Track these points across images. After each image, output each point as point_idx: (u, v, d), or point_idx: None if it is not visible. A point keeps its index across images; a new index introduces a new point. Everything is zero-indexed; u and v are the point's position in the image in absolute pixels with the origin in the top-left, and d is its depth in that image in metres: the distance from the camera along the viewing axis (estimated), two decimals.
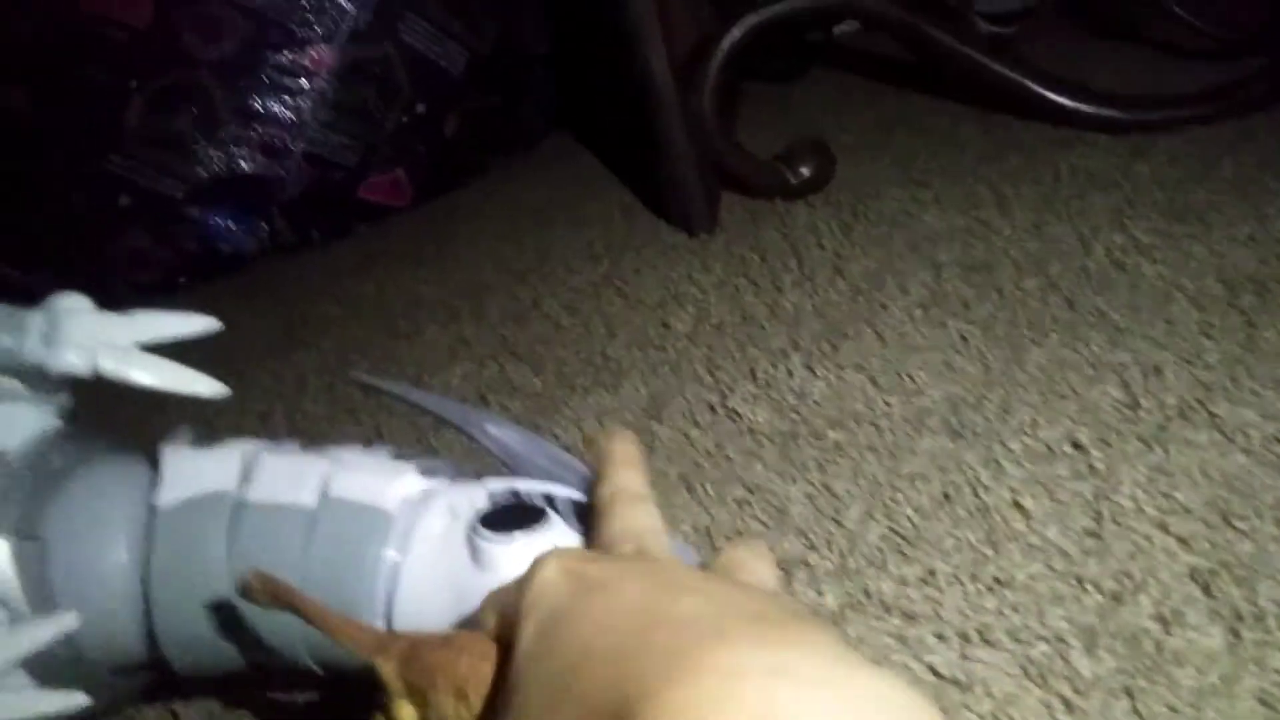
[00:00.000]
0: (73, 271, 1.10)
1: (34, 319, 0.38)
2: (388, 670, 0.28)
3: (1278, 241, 0.65)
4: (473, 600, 0.30)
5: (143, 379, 0.39)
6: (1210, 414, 0.50)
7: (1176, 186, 0.75)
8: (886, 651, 0.40)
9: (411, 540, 0.36)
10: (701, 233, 0.88)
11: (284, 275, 1.05)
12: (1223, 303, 0.59)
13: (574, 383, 0.69)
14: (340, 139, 1.11)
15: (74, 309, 0.39)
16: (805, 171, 0.91)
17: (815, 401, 0.59)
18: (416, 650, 0.28)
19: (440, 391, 0.72)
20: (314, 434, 0.70)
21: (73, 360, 0.38)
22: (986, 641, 0.40)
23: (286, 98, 1.09)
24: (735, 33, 0.92)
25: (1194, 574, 0.41)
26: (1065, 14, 1.05)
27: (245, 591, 0.32)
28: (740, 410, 0.60)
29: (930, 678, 0.39)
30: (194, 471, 0.39)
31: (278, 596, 0.32)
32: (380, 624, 0.36)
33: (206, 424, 0.74)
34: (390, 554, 0.36)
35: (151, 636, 0.38)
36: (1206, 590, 0.40)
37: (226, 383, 0.76)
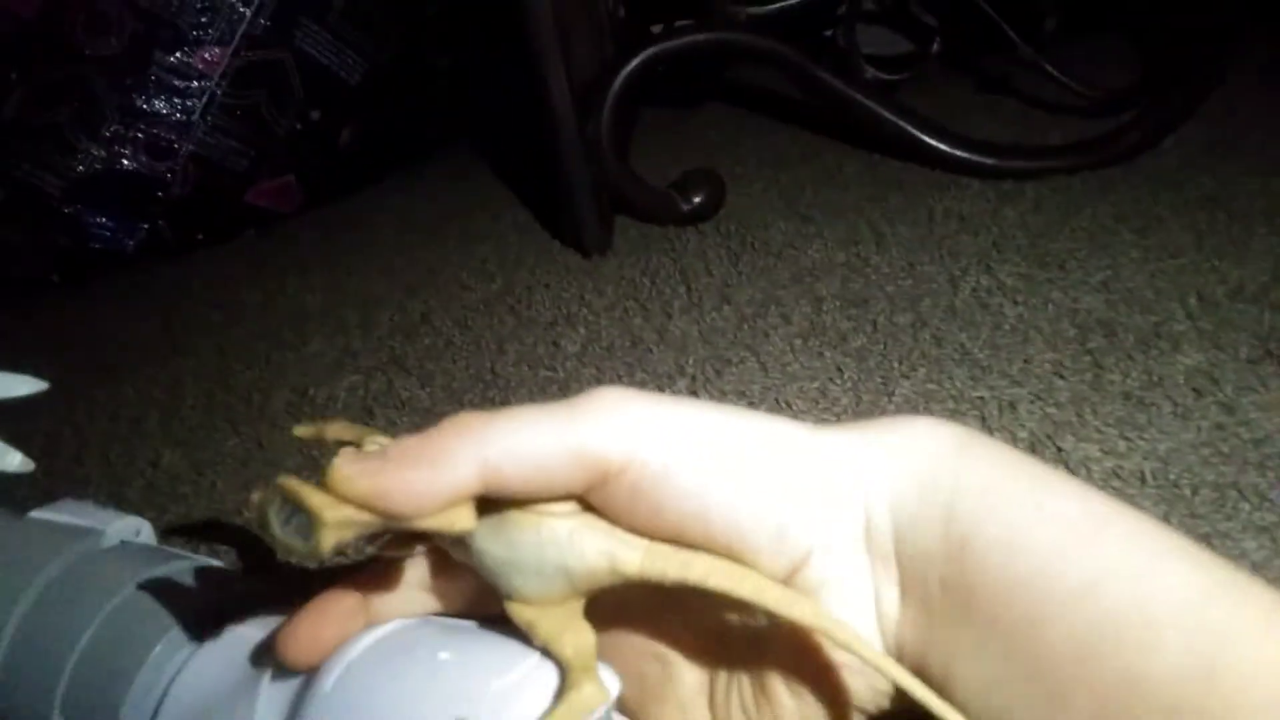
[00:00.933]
0: None
1: None
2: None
3: (1127, 290, 0.70)
4: None
5: None
6: (1058, 448, 0.53)
7: (1040, 232, 0.80)
8: None
9: None
10: (594, 254, 0.90)
11: (165, 278, 1.03)
12: (1074, 345, 0.63)
13: (462, 398, 0.69)
14: (230, 142, 1.09)
15: None
16: (697, 199, 0.94)
17: None
18: None
19: (324, 404, 0.72)
20: (190, 444, 0.69)
21: None
22: None
23: (175, 98, 1.06)
24: (634, 63, 0.94)
25: None
26: (948, 67, 1.10)
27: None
28: None
29: None
30: (81, 509, 0.37)
31: None
32: None
33: (75, 428, 0.72)
34: None
35: None
36: None
37: (98, 387, 0.75)
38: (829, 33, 1.11)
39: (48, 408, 0.75)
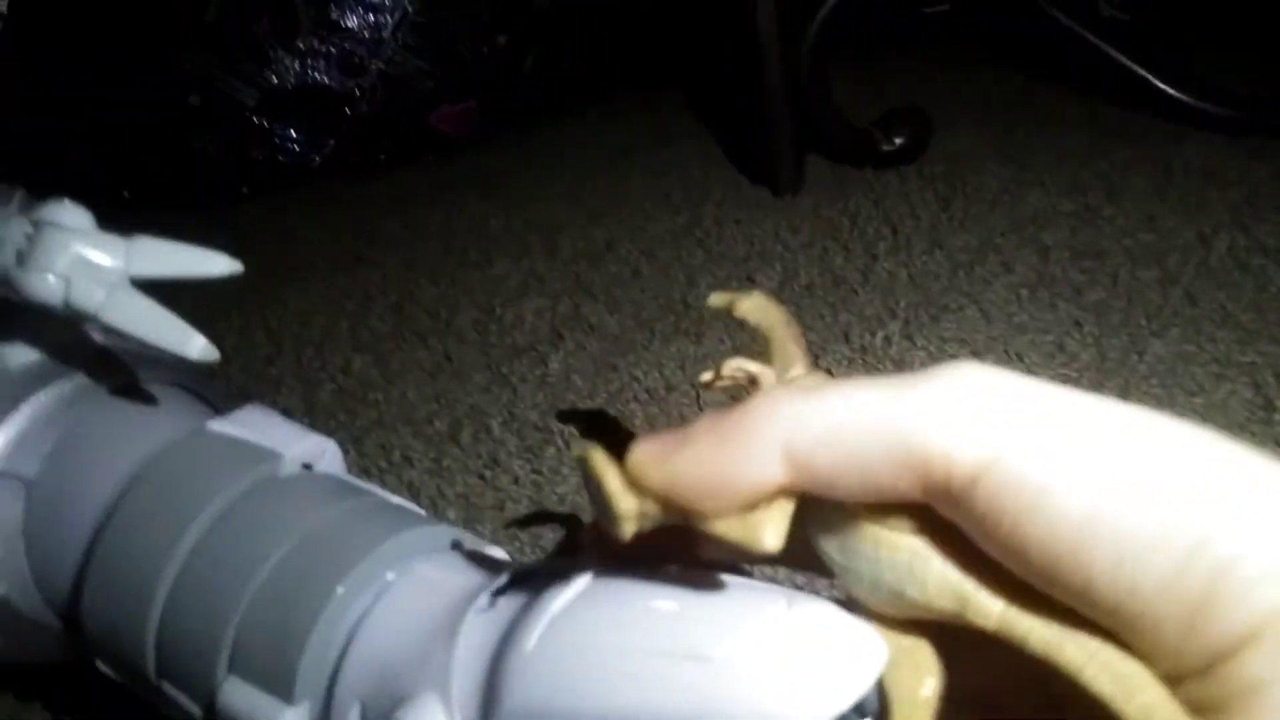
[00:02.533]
0: (136, 169, 1.08)
1: (15, 228, 0.32)
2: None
3: None
4: None
5: (118, 322, 0.31)
6: None
7: None
8: None
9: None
10: (787, 193, 0.85)
11: (348, 193, 1.03)
12: None
13: (654, 328, 0.66)
14: (417, 63, 1.08)
15: (63, 225, 0.32)
16: (899, 140, 0.88)
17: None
18: None
19: (512, 324, 0.70)
20: (379, 353, 0.68)
21: (45, 287, 0.31)
22: None
23: (369, 14, 1.06)
24: None
25: None
26: (1190, 10, 1.00)
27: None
28: (835, 372, 0.57)
29: None
30: (265, 423, 0.34)
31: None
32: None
33: (266, 329, 0.72)
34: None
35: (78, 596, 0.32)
36: None
37: (288, 290, 0.74)
38: None
39: (239, 306, 0.75)
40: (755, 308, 0.26)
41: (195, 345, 0.31)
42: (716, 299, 0.24)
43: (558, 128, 1.14)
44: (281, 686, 0.27)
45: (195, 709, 0.29)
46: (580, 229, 0.85)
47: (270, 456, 0.32)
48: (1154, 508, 0.16)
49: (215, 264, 0.33)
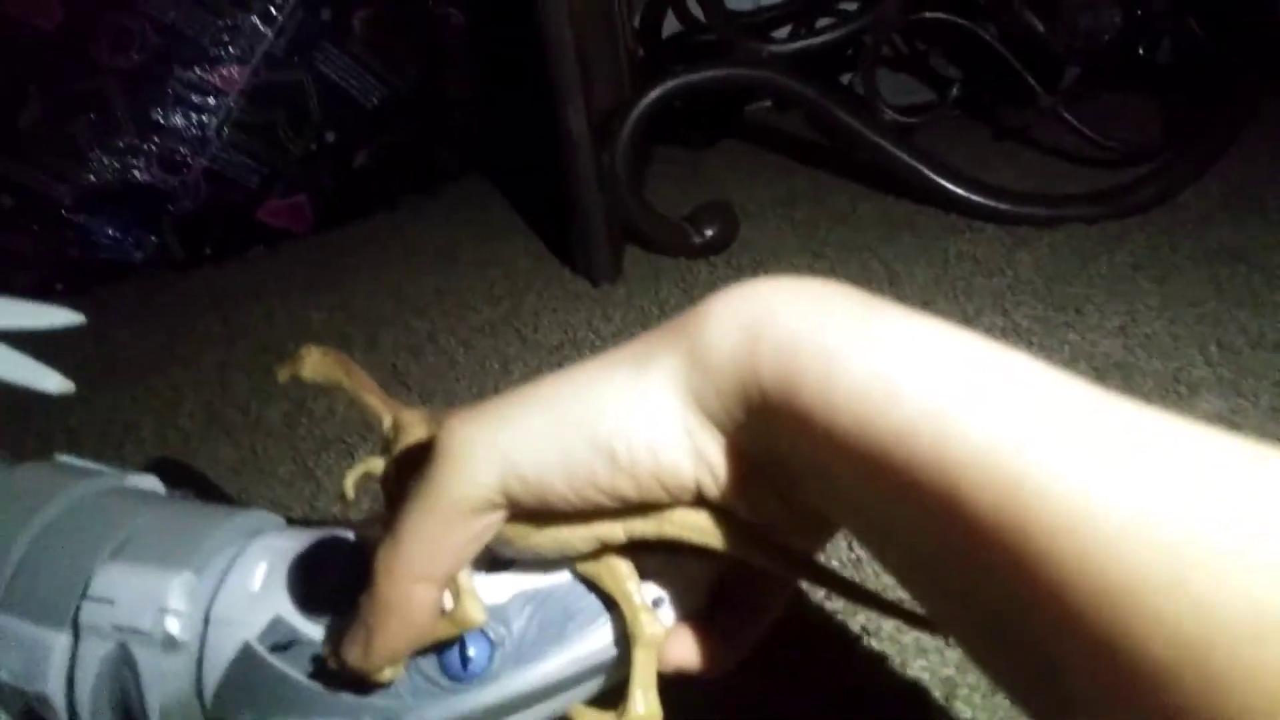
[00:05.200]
0: None
1: None
2: (412, 417, 0.28)
3: (1144, 335, 0.68)
4: None
5: None
6: None
7: (1056, 277, 0.79)
8: None
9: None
10: (603, 282, 0.89)
11: (170, 291, 1.02)
12: None
13: None
14: (244, 159, 1.09)
15: None
16: (709, 232, 0.93)
17: None
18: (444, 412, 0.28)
19: (322, 416, 0.70)
20: (185, 452, 0.67)
21: None
22: None
23: (192, 114, 1.06)
24: (652, 94, 0.94)
25: None
26: (967, 114, 1.10)
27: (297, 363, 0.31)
28: None
29: None
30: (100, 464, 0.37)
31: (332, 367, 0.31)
32: None
33: (68, 431, 0.70)
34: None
35: None
36: None
37: (96, 392, 0.73)
38: (847, 77, 1.12)
39: (42, 409, 0.73)
40: (315, 365, 0.31)
41: (52, 381, 0.37)
42: (281, 373, 0.30)
43: (388, 224, 1.16)
44: (176, 563, 0.30)
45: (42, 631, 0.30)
46: (403, 322, 0.86)
47: (114, 474, 0.36)
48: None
49: (54, 316, 0.39)
